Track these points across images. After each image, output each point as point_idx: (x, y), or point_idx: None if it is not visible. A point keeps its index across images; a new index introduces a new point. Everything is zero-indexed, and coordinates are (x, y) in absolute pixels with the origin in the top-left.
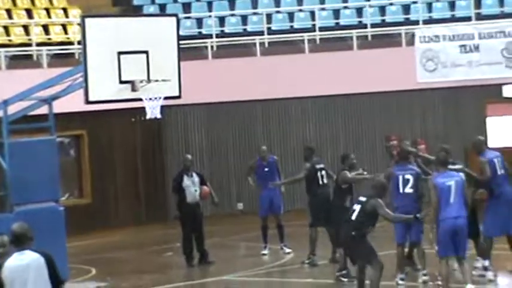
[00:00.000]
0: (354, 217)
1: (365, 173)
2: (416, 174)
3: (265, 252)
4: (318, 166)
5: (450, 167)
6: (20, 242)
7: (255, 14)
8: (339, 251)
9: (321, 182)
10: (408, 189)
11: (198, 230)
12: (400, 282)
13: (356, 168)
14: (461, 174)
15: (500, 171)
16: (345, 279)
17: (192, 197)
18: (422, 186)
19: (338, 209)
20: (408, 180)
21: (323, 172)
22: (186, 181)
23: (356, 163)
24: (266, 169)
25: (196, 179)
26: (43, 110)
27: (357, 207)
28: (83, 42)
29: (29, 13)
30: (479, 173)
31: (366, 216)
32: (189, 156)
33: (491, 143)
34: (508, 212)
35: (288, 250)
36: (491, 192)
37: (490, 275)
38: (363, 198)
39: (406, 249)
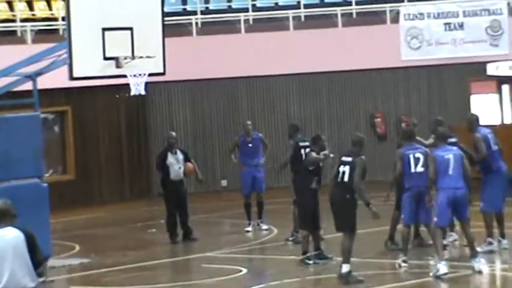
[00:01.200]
0: (346, 179)
1: (331, 155)
2: (426, 153)
3: (249, 229)
4: (302, 144)
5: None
6: (2, 218)
7: None
8: (302, 232)
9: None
10: (419, 168)
11: (182, 207)
12: (403, 264)
13: (326, 149)
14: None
15: (494, 147)
16: (312, 261)
17: (176, 174)
18: None
19: (303, 190)
20: (418, 158)
21: (307, 150)
22: (170, 158)
23: (326, 145)
24: (250, 145)
25: (180, 156)
26: (27, 86)
27: (344, 168)
28: (67, 18)
29: None
30: (474, 150)
31: (360, 176)
32: (173, 134)
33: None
34: (504, 187)
35: (264, 226)
36: (487, 168)
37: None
38: (347, 158)
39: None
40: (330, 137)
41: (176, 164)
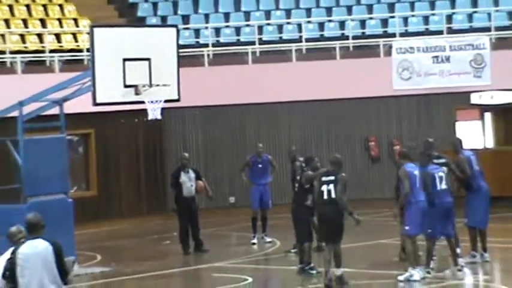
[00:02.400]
0: (334, 196)
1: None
2: (447, 172)
3: (255, 241)
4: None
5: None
6: (33, 230)
7: (247, 26)
8: (308, 244)
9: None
10: (444, 186)
11: (194, 222)
12: (427, 275)
13: (319, 170)
14: (444, 168)
15: (475, 167)
16: (314, 272)
17: (188, 191)
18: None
19: (300, 207)
20: (441, 177)
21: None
22: (183, 177)
23: (319, 166)
24: (260, 165)
25: (192, 175)
26: (55, 110)
27: (330, 187)
28: (91, 49)
29: (43, 23)
30: (459, 170)
31: (343, 191)
32: (186, 155)
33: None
34: (486, 204)
35: (268, 239)
36: (471, 187)
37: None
38: (330, 177)
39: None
40: (329, 159)
41: (188, 182)
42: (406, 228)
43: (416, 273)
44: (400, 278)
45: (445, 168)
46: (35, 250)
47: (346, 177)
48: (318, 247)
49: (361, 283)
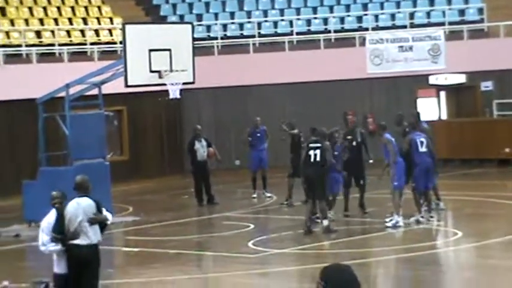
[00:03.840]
0: (318, 159)
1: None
2: (427, 138)
3: (255, 195)
4: (297, 133)
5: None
6: (80, 189)
7: (249, 22)
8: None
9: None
10: (424, 149)
11: (206, 180)
12: (421, 219)
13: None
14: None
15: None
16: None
17: (201, 156)
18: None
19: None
20: (422, 142)
21: (301, 139)
22: (197, 145)
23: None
24: (258, 134)
25: (204, 143)
26: (94, 91)
27: (316, 152)
28: (123, 42)
29: (85, 20)
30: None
31: (331, 155)
32: (199, 127)
33: (421, 118)
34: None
35: (268, 194)
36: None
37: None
38: (316, 144)
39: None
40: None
41: (201, 148)
42: (395, 184)
43: (401, 220)
44: (388, 224)
45: (425, 136)
46: (79, 205)
47: (329, 146)
48: (306, 201)
49: (343, 228)
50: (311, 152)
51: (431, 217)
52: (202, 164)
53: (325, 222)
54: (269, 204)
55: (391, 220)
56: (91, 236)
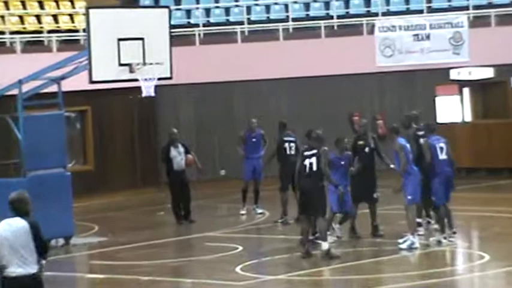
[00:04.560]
0: (315, 169)
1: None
2: (447, 143)
3: (244, 212)
4: (286, 138)
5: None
6: (14, 208)
7: (236, 6)
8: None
9: (288, 152)
10: (444, 156)
11: (185, 193)
12: (444, 241)
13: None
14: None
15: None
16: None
17: (179, 165)
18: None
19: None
20: (442, 148)
21: (291, 144)
22: (173, 151)
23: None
24: (254, 140)
25: (181, 149)
26: (53, 88)
27: (312, 160)
28: (87, 30)
29: (41, 4)
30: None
31: (327, 164)
32: (175, 130)
33: (440, 119)
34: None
35: (259, 211)
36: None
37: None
38: (312, 152)
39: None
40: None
41: (178, 156)
42: (409, 198)
43: (417, 241)
44: (402, 245)
45: (444, 140)
46: (10, 229)
47: (328, 151)
48: (297, 219)
49: (348, 250)
50: (306, 162)
51: (454, 233)
52: (179, 174)
53: (325, 246)
54: (261, 222)
55: (405, 241)
56: (28, 263)
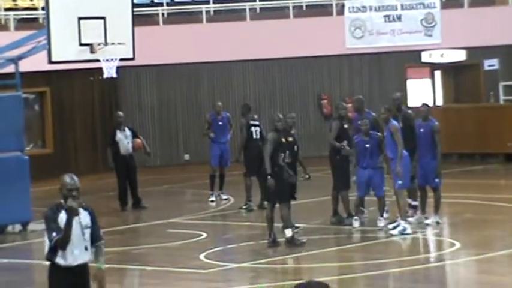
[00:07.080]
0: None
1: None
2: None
3: (213, 199)
4: (251, 122)
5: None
6: None
7: None
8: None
9: (254, 136)
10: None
11: (132, 179)
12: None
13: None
14: None
15: None
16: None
17: (125, 149)
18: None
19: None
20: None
21: (257, 128)
22: (119, 135)
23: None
24: (220, 123)
25: (128, 132)
26: (10, 68)
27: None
28: (46, 8)
29: None
30: None
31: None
32: (121, 113)
33: (410, 103)
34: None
35: (225, 197)
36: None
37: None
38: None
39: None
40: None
41: (124, 139)
42: (399, 182)
43: (409, 227)
44: (393, 231)
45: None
46: None
47: (273, 136)
48: (260, 205)
49: (315, 238)
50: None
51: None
52: (126, 159)
53: (289, 233)
54: (226, 208)
55: (395, 227)
56: None
